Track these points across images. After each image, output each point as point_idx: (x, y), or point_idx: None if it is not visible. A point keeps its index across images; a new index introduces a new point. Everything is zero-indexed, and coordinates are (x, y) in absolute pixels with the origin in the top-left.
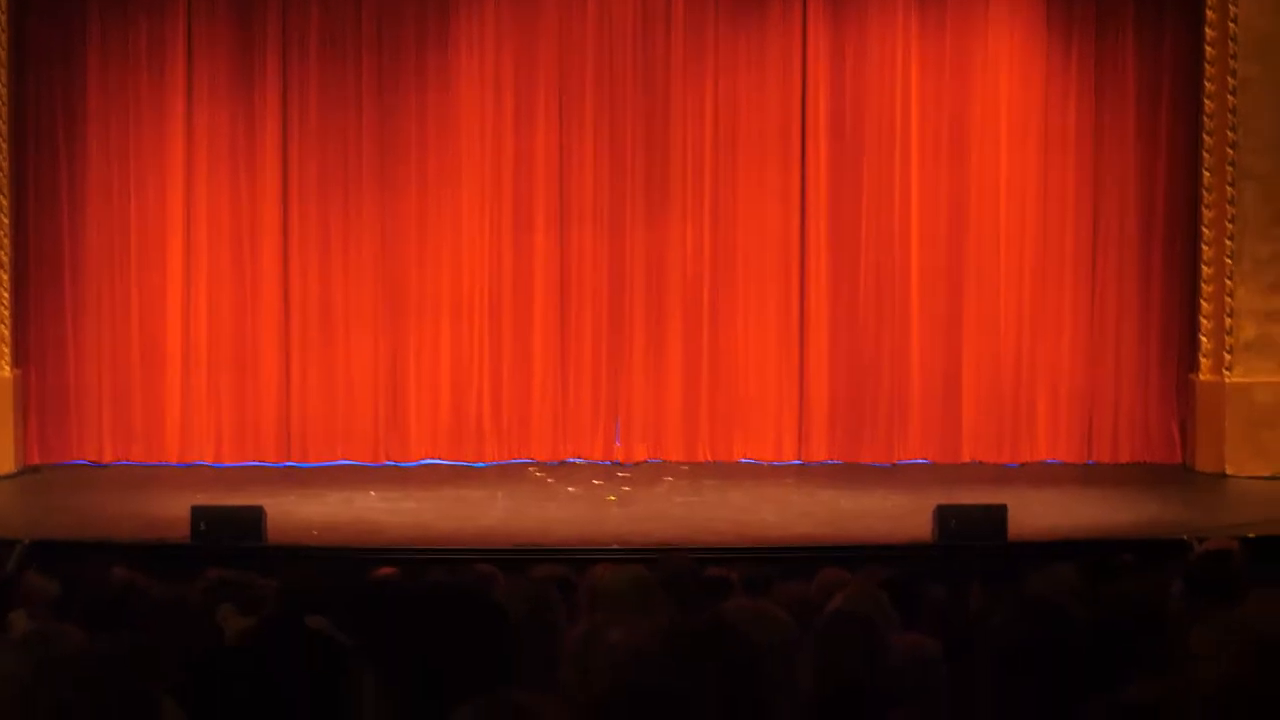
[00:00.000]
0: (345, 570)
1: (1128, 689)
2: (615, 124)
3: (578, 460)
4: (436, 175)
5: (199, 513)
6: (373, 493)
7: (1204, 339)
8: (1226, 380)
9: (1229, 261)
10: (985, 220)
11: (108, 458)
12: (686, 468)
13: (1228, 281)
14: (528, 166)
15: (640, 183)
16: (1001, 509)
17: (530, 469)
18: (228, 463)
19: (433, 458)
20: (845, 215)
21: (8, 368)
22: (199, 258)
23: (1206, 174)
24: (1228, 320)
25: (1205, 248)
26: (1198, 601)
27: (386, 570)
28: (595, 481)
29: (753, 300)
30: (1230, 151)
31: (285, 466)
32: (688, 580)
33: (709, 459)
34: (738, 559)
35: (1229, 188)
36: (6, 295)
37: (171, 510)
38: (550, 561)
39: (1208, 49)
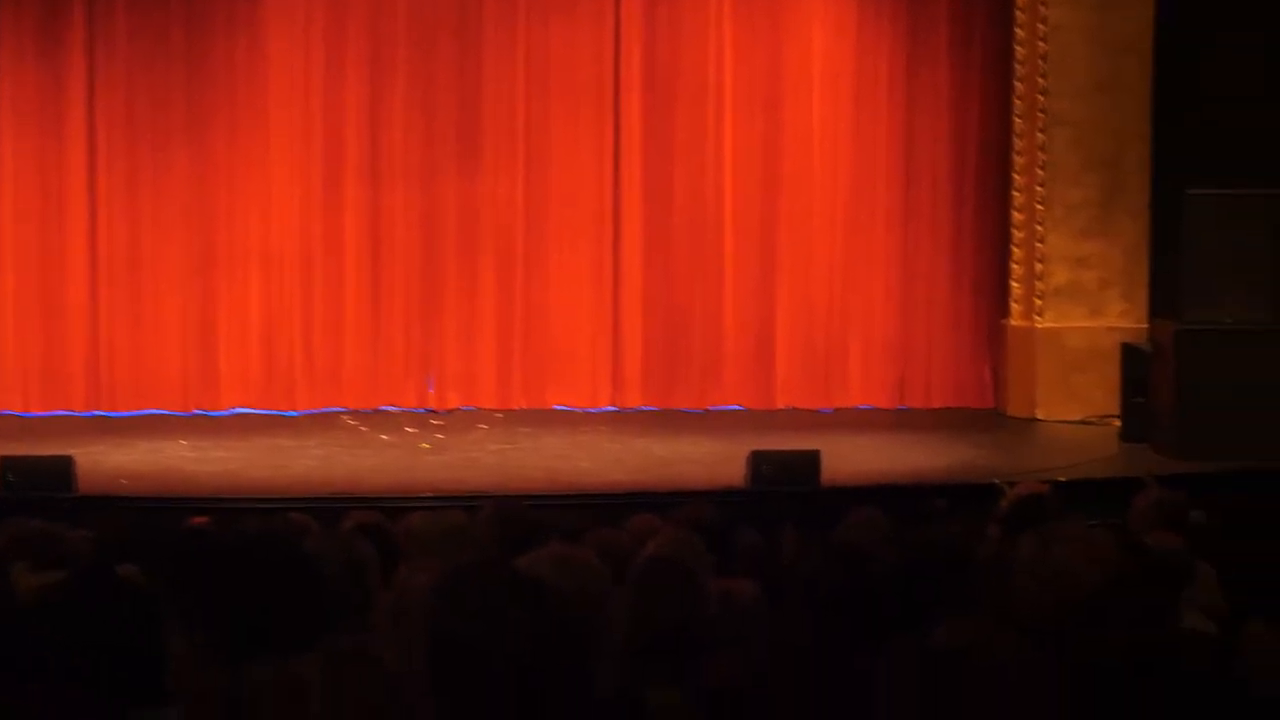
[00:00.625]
0: (157, 520)
1: (937, 631)
2: (427, 74)
3: (391, 408)
4: (247, 125)
5: (6, 463)
6: (183, 442)
7: (1015, 285)
8: (1037, 325)
9: (1040, 208)
10: (798, 170)
11: None
12: (501, 415)
13: (1038, 228)
14: (338, 116)
15: (452, 133)
16: (814, 454)
17: (343, 417)
18: (35, 412)
19: (244, 406)
20: (659, 165)
21: None
22: (3, 206)
23: (1018, 120)
24: (1038, 266)
25: (1016, 194)
26: (1011, 544)
27: (199, 520)
28: (409, 429)
29: (566, 249)
30: (1041, 98)
31: (94, 416)
32: (517, 523)
33: (523, 406)
34: (552, 505)
35: (1040, 134)
36: None
37: None
38: (364, 509)
39: None
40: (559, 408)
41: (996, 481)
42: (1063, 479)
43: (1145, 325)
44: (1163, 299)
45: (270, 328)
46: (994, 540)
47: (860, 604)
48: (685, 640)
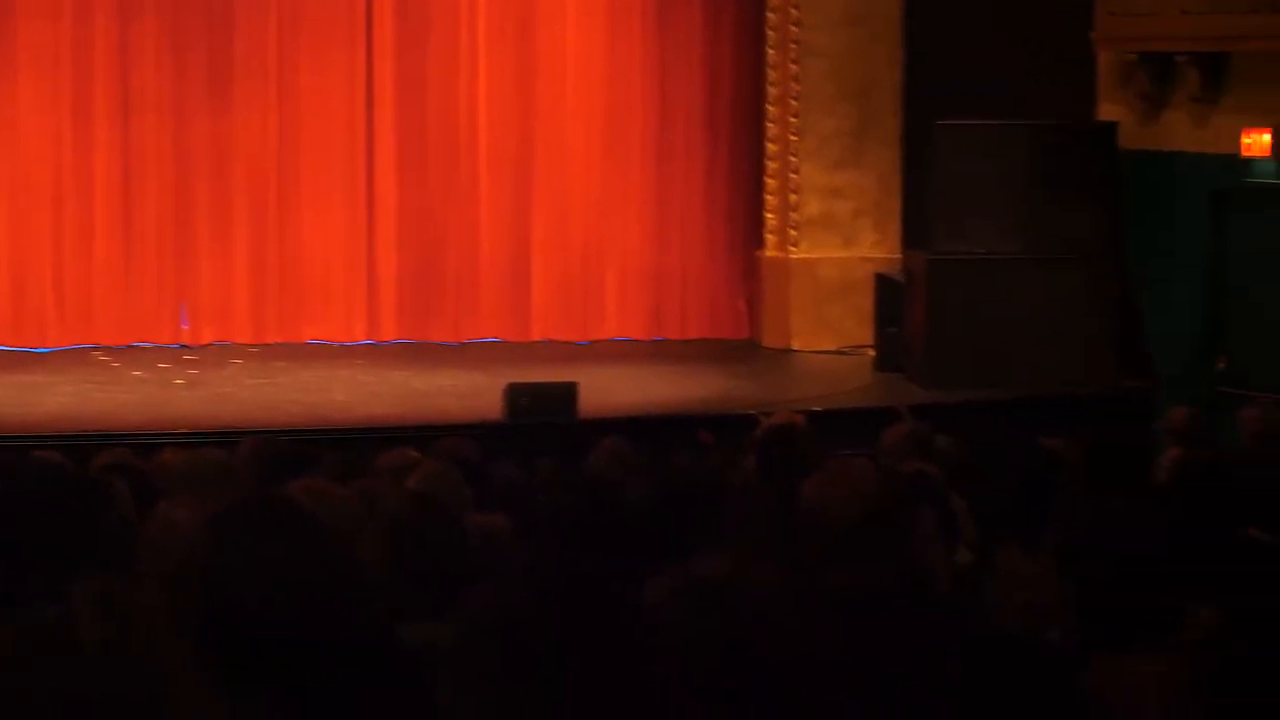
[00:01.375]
0: None
1: (694, 562)
2: (177, 7)
3: (144, 344)
4: None
5: None
6: None
7: (769, 216)
8: (791, 256)
9: (794, 139)
10: (553, 101)
11: None
12: (256, 349)
13: (792, 159)
14: (87, 50)
15: (203, 66)
16: (571, 386)
17: (95, 353)
18: None
19: None
20: (412, 97)
21: None
22: None
23: (771, 51)
24: (792, 197)
25: (770, 125)
26: (767, 474)
27: None
28: (162, 365)
29: (320, 182)
30: (794, 29)
31: None
32: (276, 460)
33: (278, 340)
34: (308, 440)
35: (793, 65)
36: None
37: None
38: (117, 446)
39: None
40: (315, 341)
41: (753, 412)
42: (818, 409)
43: (898, 256)
44: (916, 230)
45: (19, 264)
46: (750, 471)
47: (613, 535)
48: (443, 575)
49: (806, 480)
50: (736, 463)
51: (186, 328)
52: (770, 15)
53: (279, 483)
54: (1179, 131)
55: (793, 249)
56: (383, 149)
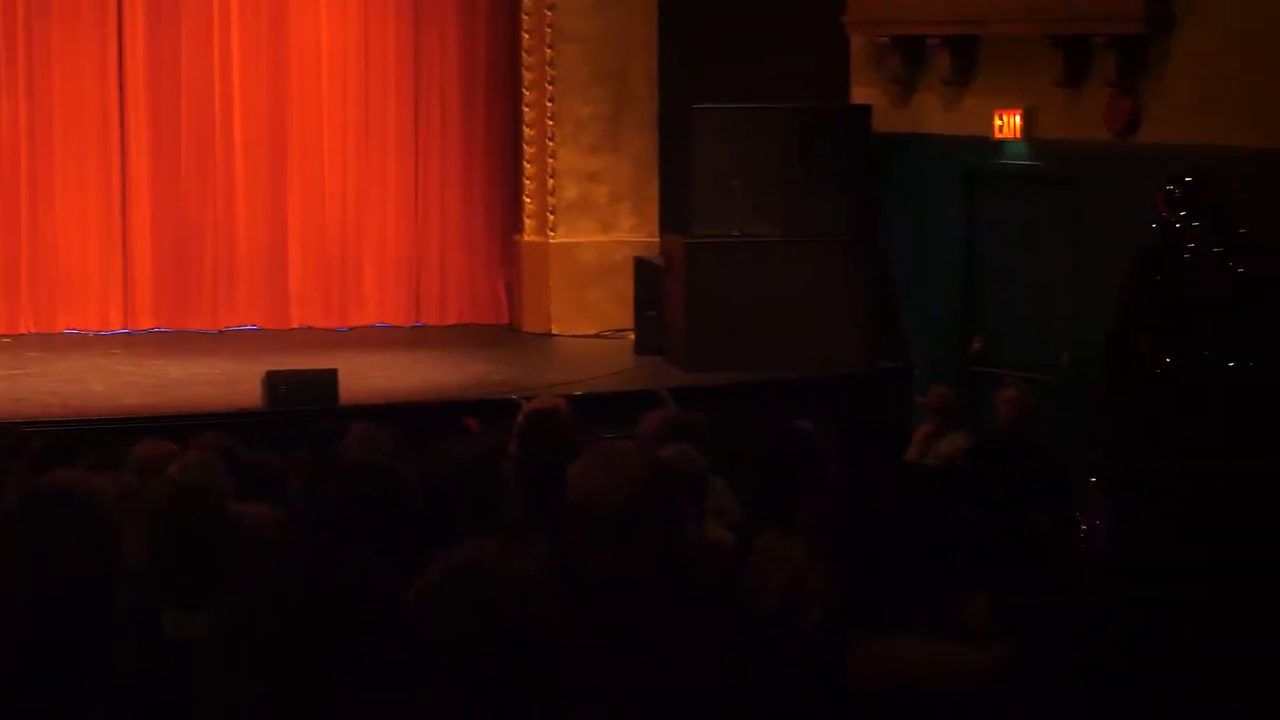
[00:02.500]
0: None
1: (457, 549)
2: None
3: None
4: None
5: None
6: None
7: (527, 200)
8: (550, 241)
9: (550, 123)
10: (307, 86)
11: None
12: (9, 339)
13: (550, 143)
14: None
15: None
16: (332, 373)
17: None
18: None
19: None
20: (165, 82)
21: None
22: None
23: (526, 36)
24: (550, 181)
25: (527, 110)
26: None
27: None
28: None
29: (73, 170)
30: (549, 13)
31: None
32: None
33: (32, 330)
34: (64, 430)
35: (548, 50)
36: None
37: None
38: None
39: None
40: (69, 331)
41: (514, 397)
42: (578, 393)
43: (657, 239)
44: (674, 213)
45: None
46: (513, 456)
47: (375, 523)
48: (203, 565)
49: (572, 465)
50: (500, 448)
51: None
52: (524, 0)
53: (38, 473)
54: (931, 114)
55: (551, 233)
56: (136, 136)
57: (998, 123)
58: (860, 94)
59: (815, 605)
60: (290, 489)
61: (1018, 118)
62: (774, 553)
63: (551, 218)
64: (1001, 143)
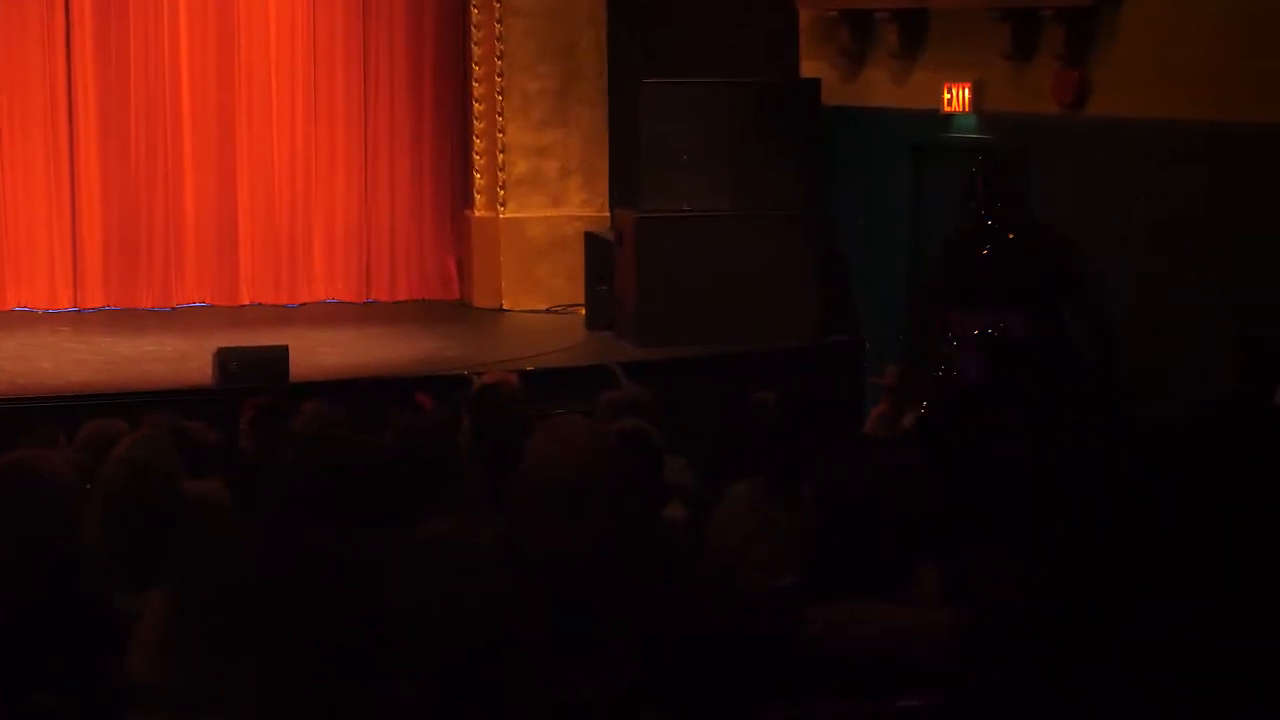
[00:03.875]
0: None
1: (418, 525)
2: None
3: None
4: None
5: None
6: None
7: (477, 175)
8: (500, 216)
9: (499, 98)
10: (255, 61)
11: None
12: None
13: (499, 118)
14: None
15: None
16: (283, 350)
17: None
18: None
19: None
20: (113, 56)
21: None
22: None
23: (475, 10)
24: (500, 156)
25: (476, 85)
26: (482, 435)
27: None
28: None
29: (19, 146)
30: None
31: None
32: None
33: None
34: (12, 409)
35: (497, 24)
36: None
37: None
38: None
39: None
40: (18, 309)
41: (466, 373)
42: (530, 368)
43: (607, 214)
44: (625, 188)
45: None
46: (466, 432)
47: (332, 500)
48: (155, 544)
49: (529, 440)
50: (453, 423)
51: None
52: None
53: None
54: (880, 88)
55: (501, 209)
56: (83, 112)
57: (946, 96)
58: (809, 68)
59: (772, 571)
60: (241, 465)
61: (966, 91)
62: (730, 522)
63: (501, 193)
64: (950, 116)
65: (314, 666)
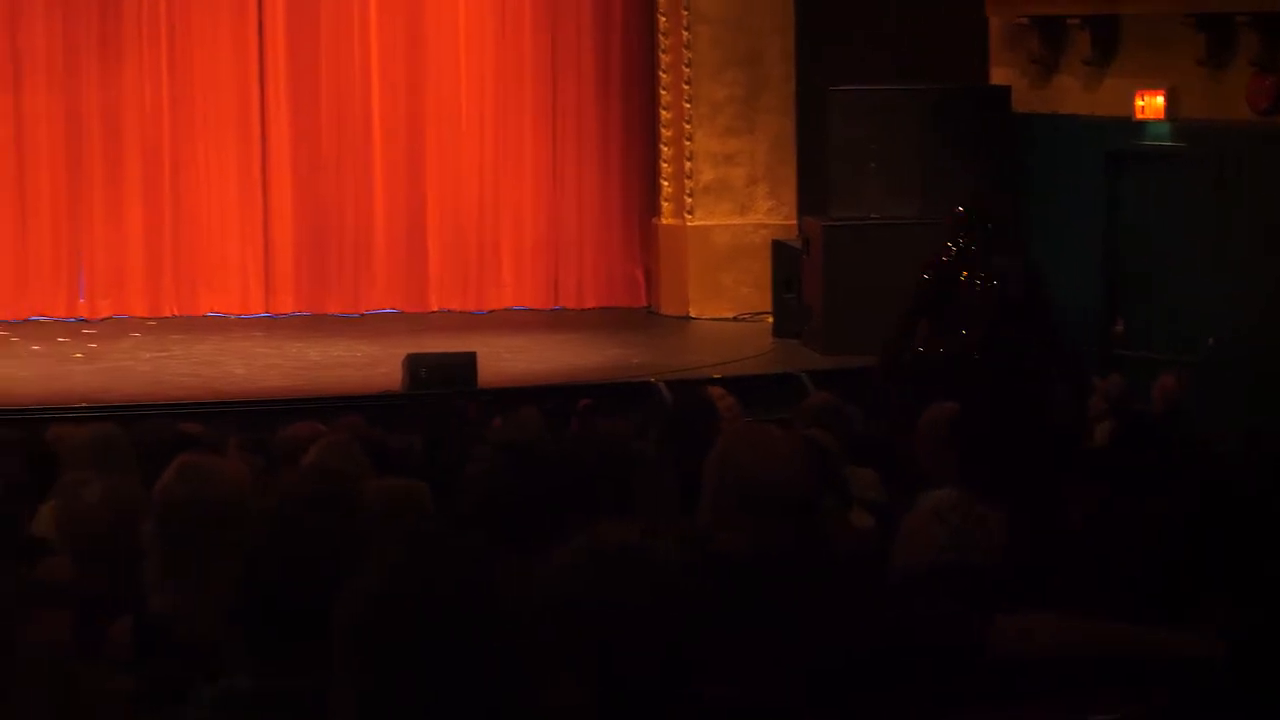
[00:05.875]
0: None
1: (599, 529)
2: None
3: (41, 318)
4: None
5: None
6: None
7: (664, 183)
8: (687, 223)
9: (687, 106)
10: (445, 69)
11: None
12: (154, 323)
13: (686, 125)
14: None
15: (94, 34)
16: (471, 356)
17: None
18: None
19: None
20: (305, 66)
21: None
22: None
23: (662, 18)
24: (687, 164)
25: (663, 92)
26: (675, 443)
27: None
28: (60, 339)
29: (214, 153)
30: None
31: None
32: (162, 441)
33: (175, 313)
34: (205, 414)
35: (684, 32)
36: None
37: None
38: (12, 421)
39: None
40: (212, 314)
41: (652, 380)
42: (718, 376)
43: (794, 222)
44: (812, 195)
45: None
46: (655, 439)
47: (524, 504)
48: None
49: (715, 445)
50: (641, 430)
51: (84, 301)
52: None
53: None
54: (1071, 94)
55: (689, 216)
56: (276, 118)
57: (1139, 103)
58: (999, 74)
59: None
60: (436, 470)
61: (1160, 98)
62: (919, 531)
63: (689, 200)
64: (1143, 123)
65: (488, 671)
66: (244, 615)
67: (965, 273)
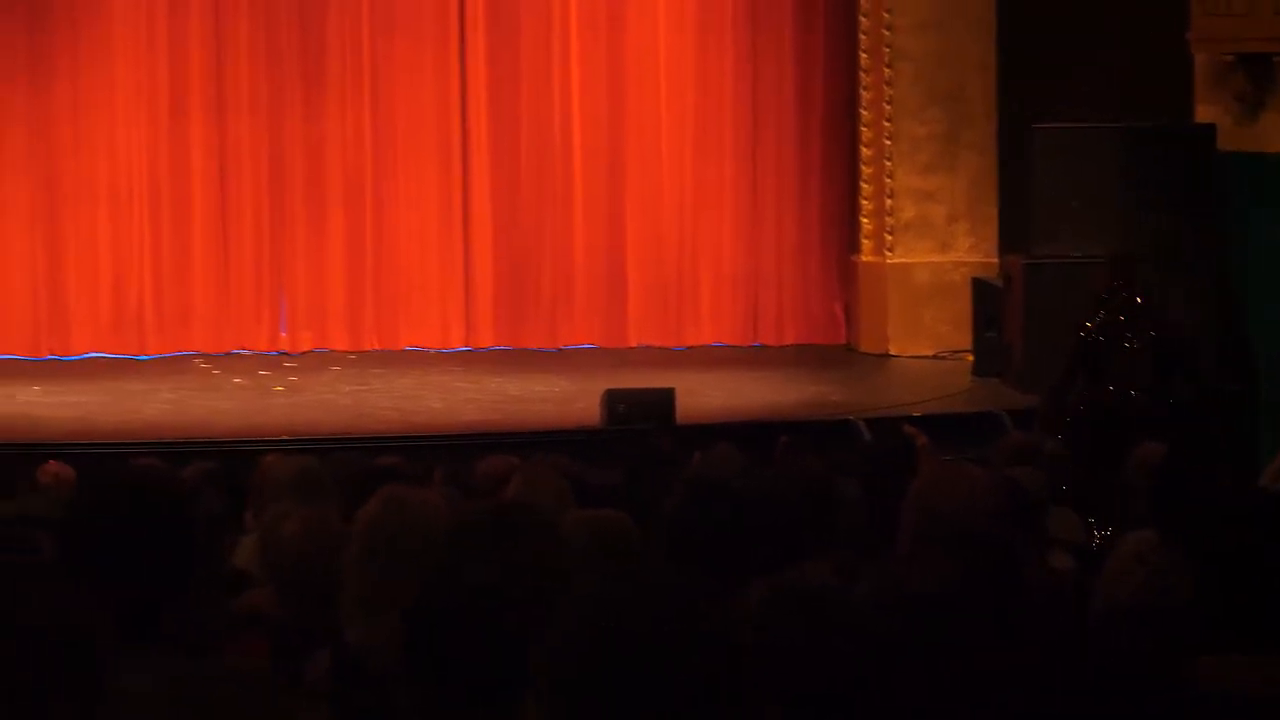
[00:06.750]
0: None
1: (796, 569)
2: (271, 9)
3: (243, 351)
4: (90, 62)
5: None
6: (36, 387)
7: (864, 220)
8: (887, 261)
9: (887, 142)
10: (645, 101)
11: None
12: (354, 357)
13: (886, 163)
14: (183, 51)
15: (297, 67)
16: (669, 392)
17: (195, 360)
18: None
19: (95, 350)
20: (505, 99)
21: None
22: None
23: (863, 55)
24: (887, 201)
25: (864, 129)
26: (873, 482)
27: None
28: (261, 372)
29: (414, 186)
30: (886, 33)
31: None
32: (359, 476)
33: (375, 347)
34: (405, 447)
35: (886, 69)
36: None
37: None
38: (215, 454)
39: None
40: (411, 348)
41: (852, 418)
42: (918, 414)
43: (994, 259)
44: (1013, 233)
45: (119, 269)
46: (856, 477)
47: (723, 541)
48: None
49: (915, 483)
50: (840, 468)
51: (285, 335)
52: (863, 19)
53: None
54: (1279, 133)
55: (889, 253)
56: (476, 151)
57: None
58: (1204, 112)
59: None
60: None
61: None
62: (1120, 574)
63: (889, 237)
64: None
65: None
66: (428, 646)
67: (1123, 321)
